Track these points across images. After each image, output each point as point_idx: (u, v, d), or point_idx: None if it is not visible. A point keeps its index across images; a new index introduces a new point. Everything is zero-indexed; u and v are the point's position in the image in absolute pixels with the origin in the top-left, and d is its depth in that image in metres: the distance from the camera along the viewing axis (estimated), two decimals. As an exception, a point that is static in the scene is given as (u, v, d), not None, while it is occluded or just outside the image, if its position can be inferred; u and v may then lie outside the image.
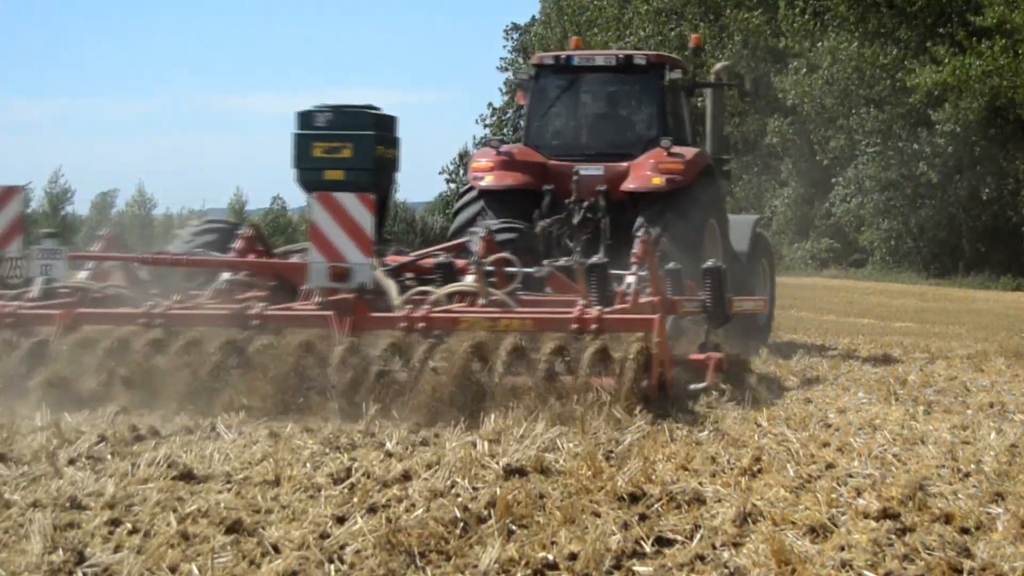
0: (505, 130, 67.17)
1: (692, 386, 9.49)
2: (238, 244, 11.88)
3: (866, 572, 5.12)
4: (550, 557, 5.17)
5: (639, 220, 13.07)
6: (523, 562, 5.12)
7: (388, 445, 7.46)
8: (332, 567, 5.03)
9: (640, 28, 52.16)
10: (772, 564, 5.15)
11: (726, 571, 5.13)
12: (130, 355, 9.08)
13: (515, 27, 68.13)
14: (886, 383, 11.16)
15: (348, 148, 12.87)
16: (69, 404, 8.51)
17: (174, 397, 8.69)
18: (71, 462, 6.80)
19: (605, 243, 13.09)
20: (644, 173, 13.72)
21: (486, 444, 7.41)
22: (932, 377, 11.97)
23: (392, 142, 13.33)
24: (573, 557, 5.17)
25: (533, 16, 68.58)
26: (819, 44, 43.04)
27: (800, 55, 44.15)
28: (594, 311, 9.17)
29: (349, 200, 9.70)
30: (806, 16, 44.87)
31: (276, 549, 5.22)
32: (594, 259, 10.53)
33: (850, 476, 6.81)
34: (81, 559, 4.99)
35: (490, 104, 68.14)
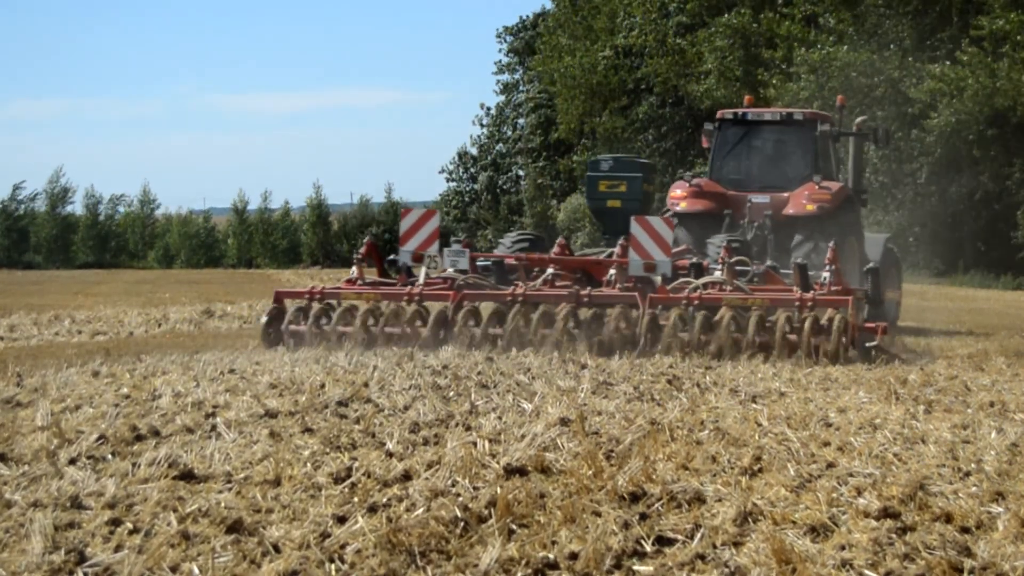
0: (504, 128, 67.30)
1: (867, 343, 13.64)
2: (556, 249, 16.38)
3: (867, 571, 5.13)
4: (551, 557, 5.17)
5: (796, 237, 17.40)
6: (523, 562, 5.12)
7: (388, 445, 7.44)
8: (333, 567, 5.04)
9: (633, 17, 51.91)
10: (772, 563, 5.15)
11: (726, 571, 5.13)
12: (504, 319, 13.76)
13: (507, 30, 68.24)
14: (886, 383, 11.16)
15: (623, 184, 18.51)
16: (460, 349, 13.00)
17: (536, 346, 13.22)
18: (71, 462, 6.79)
19: (772, 253, 16.78)
20: (801, 202, 17.87)
21: (486, 443, 7.41)
22: (932, 376, 11.96)
23: (652, 180, 19.26)
24: (574, 557, 5.17)
25: (522, 17, 68.51)
26: (800, 55, 42.48)
27: (789, 63, 43.67)
28: (809, 294, 13.67)
29: (656, 221, 14.77)
30: (796, 23, 44.47)
31: (277, 549, 5.22)
32: (800, 260, 14.58)
33: (851, 475, 6.81)
34: (81, 559, 4.99)
35: (482, 104, 68.42)
